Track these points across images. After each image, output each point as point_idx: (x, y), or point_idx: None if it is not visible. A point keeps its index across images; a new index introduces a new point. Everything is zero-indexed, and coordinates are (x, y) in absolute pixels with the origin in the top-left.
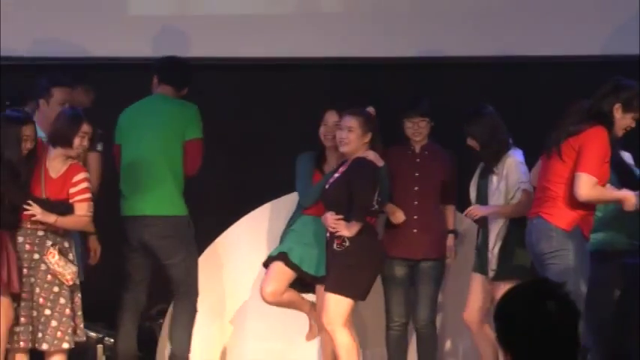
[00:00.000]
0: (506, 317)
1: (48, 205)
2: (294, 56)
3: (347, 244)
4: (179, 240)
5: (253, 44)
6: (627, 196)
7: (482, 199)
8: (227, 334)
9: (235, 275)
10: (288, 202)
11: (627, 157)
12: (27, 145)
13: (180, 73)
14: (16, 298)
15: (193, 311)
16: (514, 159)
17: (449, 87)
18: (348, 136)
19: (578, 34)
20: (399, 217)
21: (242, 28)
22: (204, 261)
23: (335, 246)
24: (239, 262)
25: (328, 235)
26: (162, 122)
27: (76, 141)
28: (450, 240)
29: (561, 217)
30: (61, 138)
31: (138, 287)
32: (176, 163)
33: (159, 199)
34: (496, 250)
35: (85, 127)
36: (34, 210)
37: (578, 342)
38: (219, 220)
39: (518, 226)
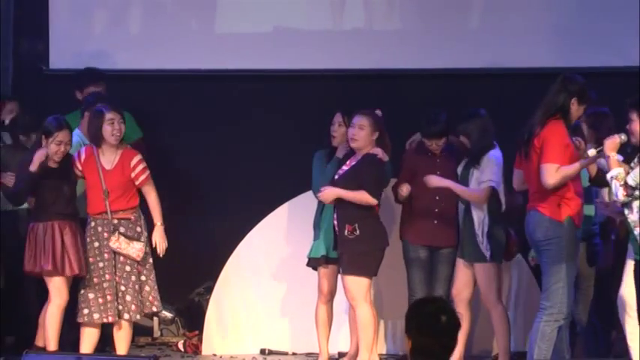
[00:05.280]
0: (414, 318)
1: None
2: (308, 68)
3: (357, 232)
4: None
5: (278, 58)
6: (577, 165)
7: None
8: (261, 330)
9: (265, 272)
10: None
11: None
12: (61, 149)
13: None
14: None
15: None
16: (492, 159)
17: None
18: (358, 133)
19: (579, 47)
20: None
21: (271, 43)
22: (235, 260)
23: (346, 233)
24: (267, 259)
25: (337, 222)
26: None
27: (107, 129)
28: None
29: (553, 209)
30: (95, 135)
31: None
32: None
33: None
34: (484, 235)
35: (110, 115)
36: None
37: (456, 340)
38: (243, 220)
39: (494, 218)
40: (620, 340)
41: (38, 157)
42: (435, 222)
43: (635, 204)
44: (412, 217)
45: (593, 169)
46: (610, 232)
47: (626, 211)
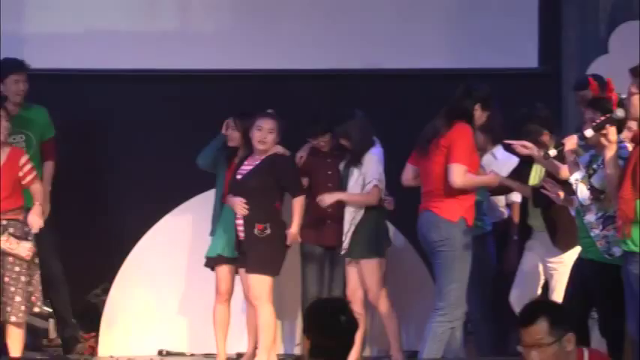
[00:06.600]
0: (313, 318)
1: None
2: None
3: (268, 231)
4: None
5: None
6: (491, 178)
7: (344, 189)
8: (159, 331)
9: (163, 272)
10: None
11: (500, 152)
12: None
13: None
14: None
15: None
16: (373, 157)
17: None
18: (268, 137)
19: (480, 48)
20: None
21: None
22: (132, 261)
23: (256, 232)
24: (165, 260)
25: (242, 221)
26: None
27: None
28: None
29: (447, 210)
30: None
31: None
32: None
33: None
34: (349, 233)
35: (3, 112)
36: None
37: (354, 340)
38: (140, 220)
39: (369, 215)
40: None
41: None
42: (329, 222)
43: (595, 205)
44: (306, 217)
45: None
46: (510, 233)
47: (583, 213)
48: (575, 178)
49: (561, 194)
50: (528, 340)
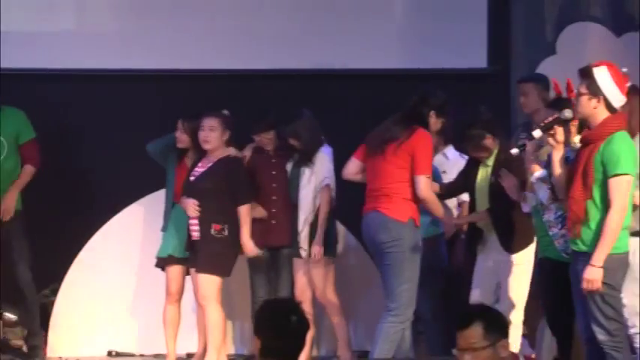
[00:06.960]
0: (264, 318)
1: None
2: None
3: (225, 232)
4: None
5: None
6: (447, 223)
7: (294, 188)
8: (108, 331)
9: (112, 273)
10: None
11: (451, 152)
12: None
13: None
14: None
15: None
16: (324, 156)
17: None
18: (210, 135)
19: (429, 48)
20: (260, 212)
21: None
22: (82, 261)
23: (213, 232)
24: (114, 260)
25: (196, 221)
26: None
27: None
28: None
29: (397, 211)
30: None
31: None
32: None
33: None
34: (304, 233)
35: None
36: None
37: (305, 341)
38: (90, 220)
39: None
40: None
41: None
42: (273, 222)
43: (555, 205)
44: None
45: (435, 187)
46: (459, 232)
47: (542, 211)
48: (537, 177)
49: (515, 192)
50: (462, 343)
